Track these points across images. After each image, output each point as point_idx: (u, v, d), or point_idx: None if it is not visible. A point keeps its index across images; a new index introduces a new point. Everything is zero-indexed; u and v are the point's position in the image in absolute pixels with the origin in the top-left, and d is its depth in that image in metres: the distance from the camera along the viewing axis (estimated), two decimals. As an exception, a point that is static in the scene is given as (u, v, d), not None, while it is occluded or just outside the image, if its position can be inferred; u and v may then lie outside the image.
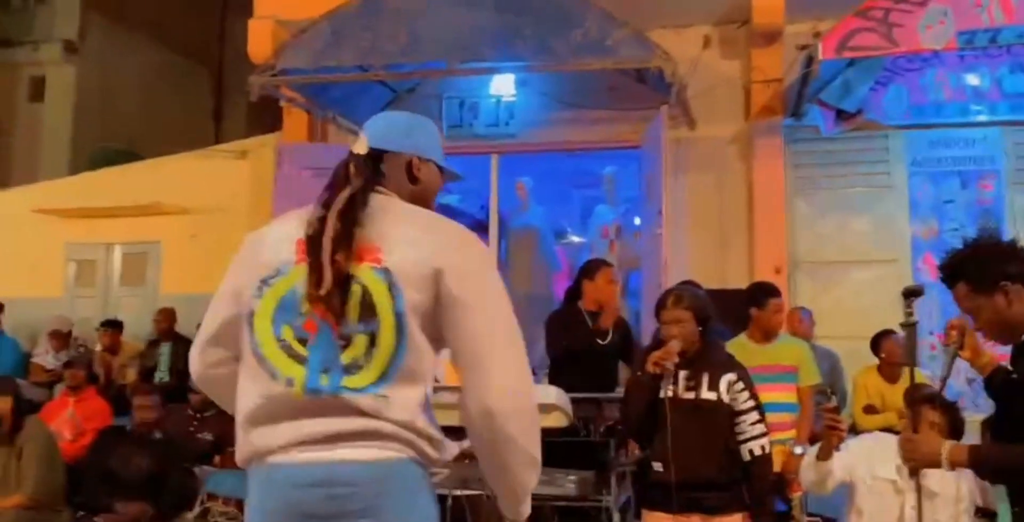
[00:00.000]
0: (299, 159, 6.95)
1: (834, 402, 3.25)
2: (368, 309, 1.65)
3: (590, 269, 4.57)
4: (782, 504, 4.56)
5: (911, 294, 2.55)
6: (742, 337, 4.62)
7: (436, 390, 2.75)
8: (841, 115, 6.52)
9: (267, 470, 1.68)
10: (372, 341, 1.65)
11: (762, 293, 4.59)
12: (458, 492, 2.85)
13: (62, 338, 7.54)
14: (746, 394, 3.16)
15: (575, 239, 8.31)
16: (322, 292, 1.64)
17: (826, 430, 3.22)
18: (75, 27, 17.38)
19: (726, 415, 3.11)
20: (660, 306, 3.26)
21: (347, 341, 1.66)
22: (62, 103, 17.38)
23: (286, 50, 6.03)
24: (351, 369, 1.65)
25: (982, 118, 6.42)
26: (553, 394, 2.71)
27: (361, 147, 1.85)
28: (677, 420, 3.02)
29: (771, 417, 4.40)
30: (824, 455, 3.25)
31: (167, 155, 8.37)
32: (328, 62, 5.90)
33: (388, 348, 1.66)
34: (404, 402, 1.69)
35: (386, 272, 1.67)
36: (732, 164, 6.73)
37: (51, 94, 17.53)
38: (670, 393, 3.09)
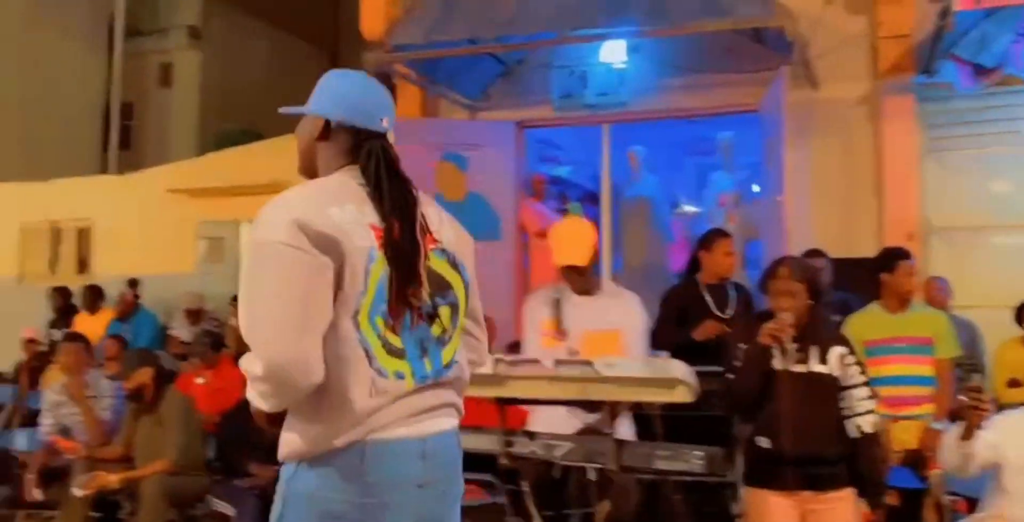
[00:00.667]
0: (412, 135, 7.00)
1: (977, 380, 3.06)
2: (441, 285, 1.79)
3: (707, 240, 4.42)
4: (919, 481, 4.35)
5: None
6: (874, 306, 4.40)
7: (559, 363, 2.73)
8: (978, 70, 6.06)
9: (374, 446, 1.70)
10: (454, 311, 1.81)
11: (891, 257, 4.35)
12: (585, 465, 2.81)
13: (195, 312, 7.91)
14: (857, 368, 3.04)
15: (690, 209, 8.10)
16: (422, 279, 1.73)
17: (969, 410, 3.03)
18: (198, 14, 18.08)
19: (836, 388, 2.98)
20: (770, 276, 3.12)
21: (432, 317, 1.77)
22: (188, 87, 18.17)
23: (398, 26, 6.05)
24: (443, 341, 1.79)
25: None
26: (678, 369, 2.62)
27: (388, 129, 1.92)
28: (788, 393, 2.90)
29: (906, 391, 4.22)
30: (967, 435, 3.06)
31: (287, 134, 8.61)
32: (439, 36, 5.88)
33: (462, 319, 1.86)
34: (465, 372, 1.89)
35: (444, 251, 1.83)
36: (859, 126, 6.37)
37: (178, 79, 18.35)
38: (780, 366, 2.97)
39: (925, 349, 4.26)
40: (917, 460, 4.23)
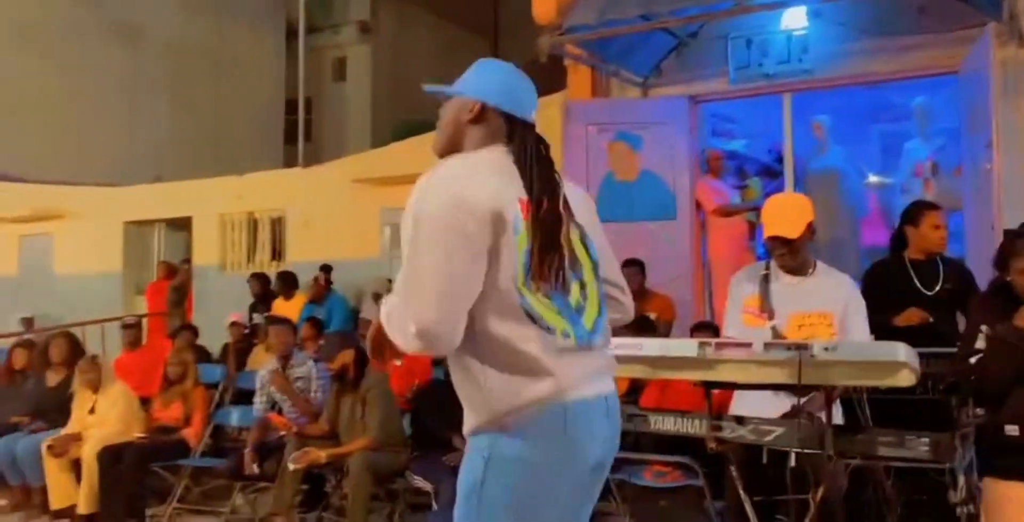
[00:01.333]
0: (585, 116, 6.98)
1: None
2: (573, 260, 1.88)
3: (913, 214, 4.14)
4: None
5: None
6: None
7: (768, 346, 2.64)
8: None
9: (566, 406, 1.82)
10: (583, 286, 1.91)
11: None
12: (796, 451, 2.72)
13: (382, 296, 8.25)
14: None
15: (882, 180, 7.64)
16: (563, 251, 1.85)
17: None
18: (368, 9, 18.75)
19: None
20: (1012, 253, 2.88)
21: (567, 287, 1.87)
22: (361, 80, 18.91)
23: (571, 8, 6.02)
24: (580, 310, 1.89)
25: None
26: (901, 351, 2.48)
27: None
28: None
29: None
30: None
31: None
32: (612, 15, 5.81)
33: (596, 293, 1.94)
34: (611, 339, 2.00)
35: (579, 226, 1.94)
36: (1076, 83, 5.79)
37: (351, 73, 19.14)
38: None
39: None
40: None
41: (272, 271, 9.23)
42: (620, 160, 6.97)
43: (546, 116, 7.78)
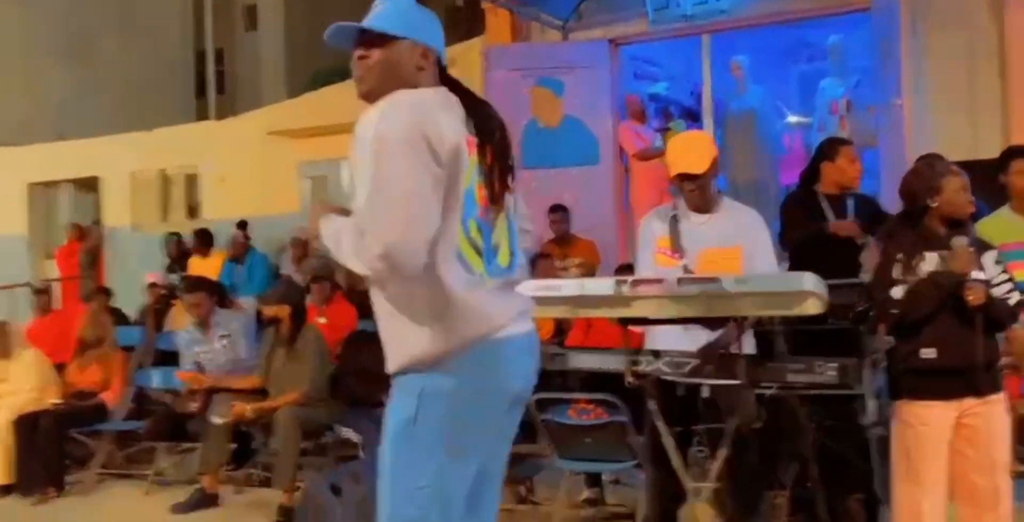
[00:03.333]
0: (506, 61, 6.96)
1: None
2: (497, 199, 1.94)
3: (828, 149, 4.25)
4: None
5: None
6: (1004, 210, 4.20)
7: (683, 281, 2.73)
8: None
9: (495, 344, 1.89)
10: (505, 223, 1.97)
11: (1004, 156, 4.10)
12: (711, 382, 2.84)
13: (303, 251, 8.16)
14: (1005, 273, 2.99)
15: (800, 119, 7.82)
16: (511, 184, 1.95)
17: None
18: (277, -47, 18.18)
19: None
20: (945, 173, 3.03)
21: (492, 226, 1.94)
22: (274, 29, 18.38)
23: (485, -53, 5.95)
24: (497, 249, 1.95)
25: None
26: (808, 281, 2.59)
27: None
28: (955, 303, 2.84)
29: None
30: None
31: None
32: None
33: (511, 229, 2.00)
34: (526, 270, 2.09)
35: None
36: (981, 19, 5.99)
37: (263, 21, 18.57)
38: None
39: None
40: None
41: (187, 230, 9.05)
42: (543, 106, 6.99)
43: (466, 61, 7.80)
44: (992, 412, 2.94)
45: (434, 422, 1.85)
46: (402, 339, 1.89)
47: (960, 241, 2.89)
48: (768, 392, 3.20)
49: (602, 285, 2.80)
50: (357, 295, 7.37)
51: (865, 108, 6.80)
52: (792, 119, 7.84)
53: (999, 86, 5.90)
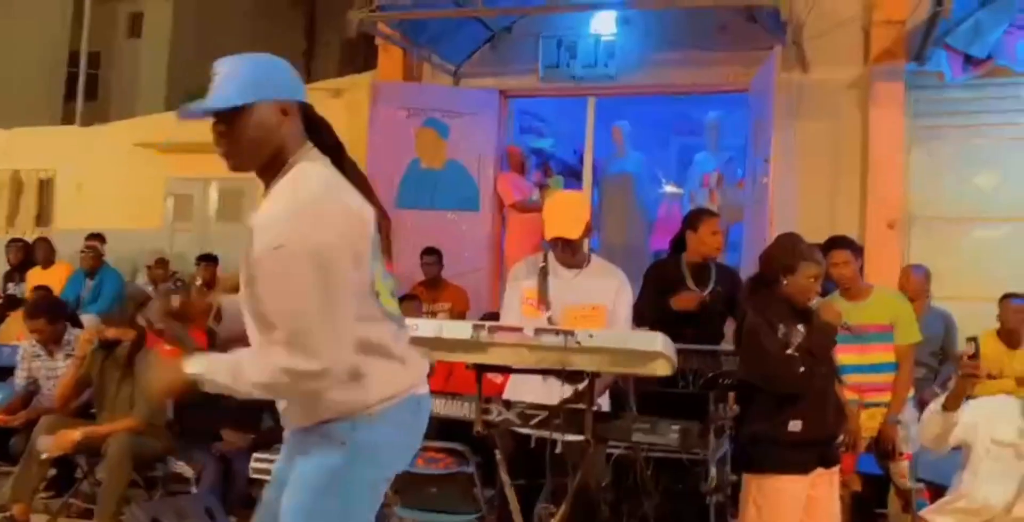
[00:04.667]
0: (394, 98, 6.99)
1: (972, 348, 3.12)
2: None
3: (693, 219, 4.45)
4: (880, 468, 4.47)
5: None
6: (835, 295, 4.46)
7: (540, 331, 2.76)
8: (969, 60, 6.15)
9: (418, 399, 1.95)
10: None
11: (825, 247, 4.39)
12: (558, 437, 2.86)
13: (160, 271, 7.84)
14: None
15: (673, 188, 8.16)
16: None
17: (961, 379, 3.14)
18: (172, -38, 17.75)
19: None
20: (806, 258, 3.18)
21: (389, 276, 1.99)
22: (159, 39, 17.85)
23: (385, -16, 6.00)
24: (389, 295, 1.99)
25: None
26: (659, 342, 2.67)
27: None
28: (822, 378, 3.02)
29: (868, 378, 4.31)
30: (953, 405, 3.16)
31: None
32: (428, -2, 5.86)
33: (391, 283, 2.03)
34: None
35: None
36: (848, 111, 6.45)
37: (148, 30, 18.02)
38: None
39: (886, 336, 4.33)
40: (881, 449, 4.34)
41: (34, 238, 8.54)
42: (427, 147, 7.03)
43: (355, 94, 7.76)
44: (832, 482, 3.11)
45: (361, 475, 1.85)
46: (327, 395, 1.84)
47: (821, 300, 3.06)
48: (617, 452, 3.27)
49: (460, 329, 2.81)
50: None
51: (734, 184, 7.16)
52: (667, 188, 8.17)
53: (859, 175, 6.33)
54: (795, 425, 2.98)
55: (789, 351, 3.00)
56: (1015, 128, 6.23)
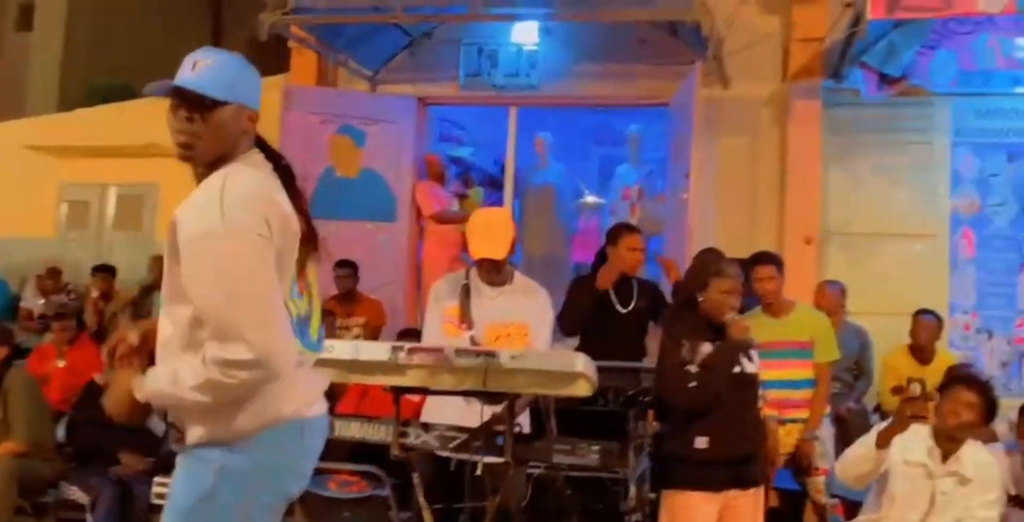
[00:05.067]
0: (307, 103, 6.93)
1: (918, 390, 3.25)
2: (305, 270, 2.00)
3: (613, 235, 4.58)
4: (797, 483, 4.63)
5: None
6: (757, 309, 4.63)
7: (461, 352, 2.79)
8: (884, 79, 6.45)
9: (301, 424, 1.93)
10: (310, 294, 2.03)
11: (748, 262, 4.56)
12: (477, 459, 2.89)
13: (52, 282, 7.59)
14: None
15: (594, 200, 8.30)
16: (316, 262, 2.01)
17: (906, 419, 3.25)
18: (68, -48, 17.19)
19: (756, 388, 3.22)
20: (718, 274, 3.29)
21: (303, 297, 2.00)
22: (51, 33, 17.24)
23: (300, -14, 5.95)
24: (307, 321, 2.01)
25: (1035, 89, 6.35)
26: (579, 362, 2.74)
27: None
28: (732, 394, 3.11)
29: (787, 394, 4.48)
30: (885, 443, 3.28)
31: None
32: (344, 1, 5.83)
33: (318, 300, 2.09)
34: None
35: None
36: (766, 127, 6.68)
37: (40, 23, 17.40)
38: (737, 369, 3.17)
39: (805, 353, 4.52)
40: (798, 465, 4.51)
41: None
42: (342, 155, 6.98)
43: (266, 98, 7.65)
44: (755, 504, 3.20)
45: (232, 501, 1.84)
46: (206, 414, 1.84)
47: (733, 316, 3.17)
48: (537, 472, 3.32)
49: (377, 350, 2.82)
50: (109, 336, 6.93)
51: (655, 197, 7.33)
52: (588, 199, 8.31)
53: (776, 189, 6.56)
54: (701, 442, 3.10)
55: (690, 367, 3.12)
56: (927, 146, 6.55)
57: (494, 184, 7.88)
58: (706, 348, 3.17)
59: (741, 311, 4.73)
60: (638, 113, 7.56)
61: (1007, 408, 4.50)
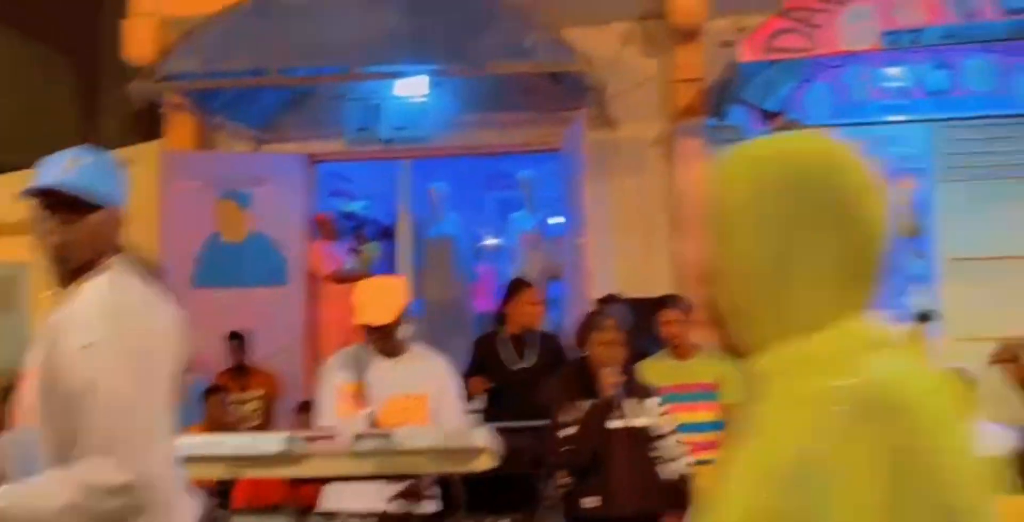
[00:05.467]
0: (188, 168, 6.80)
1: None
2: None
3: (510, 291, 4.63)
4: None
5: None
6: (663, 352, 4.72)
7: (359, 437, 2.75)
8: (764, 114, 6.72)
9: None
10: None
11: (656, 304, 4.67)
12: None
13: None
14: (668, 416, 3.30)
15: (494, 245, 8.35)
16: None
17: None
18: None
19: (652, 441, 3.24)
20: (594, 327, 3.33)
21: None
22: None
23: (171, 53, 5.87)
24: None
25: (906, 116, 6.70)
26: (480, 437, 2.73)
27: None
28: (619, 450, 3.11)
29: (696, 437, 4.56)
30: None
31: (33, 163, 8.03)
32: (219, 66, 5.78)
33: None
34: None
35: None
36: (655, 166, 6.84)
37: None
38: (616, 424, 3.18)
39: (711, 395, 4.61)
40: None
41: None
42: (228, 219, 6.84)
43: (144, 165, 7.48)
44: None
45: None
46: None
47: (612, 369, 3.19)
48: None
49: (271, 442, 2.75)
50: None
51: (553, 242, 7.43)
52: (487, 245, 8.35)
53: (668, 228, 6.71)
54: (589, 501, 3.12)
55: (568, 429, 3.16)
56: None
57: (390, 237, 7.84)
58: (585, 406, 3.21)
59: (645, 355, 4.83)
60: (532, 158, 7.66)
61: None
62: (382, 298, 3.34)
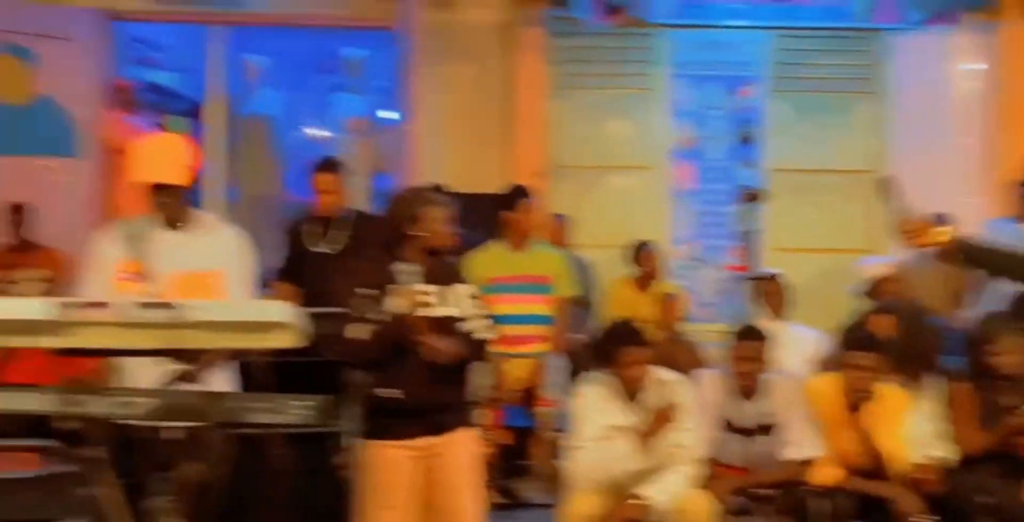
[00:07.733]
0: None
1: None
2: None
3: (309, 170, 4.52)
4: (526, 419, 4.83)
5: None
6: (496, 244, 4.73)
7: (138, 306, 2.55)
8: (607, 9, 6.64)
9: None
10: None
11: (513, 195, 4.74)
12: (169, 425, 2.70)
13: None
14: (480, 308, 3.33)
15: (318, 132, 8.02)
16: None
17: None
18: None
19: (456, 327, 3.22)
20: (428, 202, 3.25)
21: None
22: None
23: None
24: None
25: (748, 22, 6.80)
26: (279, 311, 2.59)
27: None
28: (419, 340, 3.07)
29: (523, 329, 4.65)
30: None
31: None
32: None
33: None
34: None
35: None
36: (493, 55, 6.68)
37: None
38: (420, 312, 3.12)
39: (544, 287, 4.69)
40: (529, 397, 4.69)
41: None
42: (8, 78, 6.31)
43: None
44: (458, 451, 3.23)
45: None
46: None
47: (406, 280, 3.12)
48: (246, 431, 3.16)
49: (36, 307, 2.51)
50: None
51: (382, 130, 7.21)
52: (309, 131, 8.02)
53: (503, 122, 6.64)
54: (386, 392, 3.10)
55: (379, 316, 3.10)
56: (647, 78, 6.86)
57: (198, 115, 7.38)
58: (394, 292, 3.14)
59: (467, 249, 4.82)
60: (362, 36, 7.32)
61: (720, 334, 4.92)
62: (169, 155, 3.07)
